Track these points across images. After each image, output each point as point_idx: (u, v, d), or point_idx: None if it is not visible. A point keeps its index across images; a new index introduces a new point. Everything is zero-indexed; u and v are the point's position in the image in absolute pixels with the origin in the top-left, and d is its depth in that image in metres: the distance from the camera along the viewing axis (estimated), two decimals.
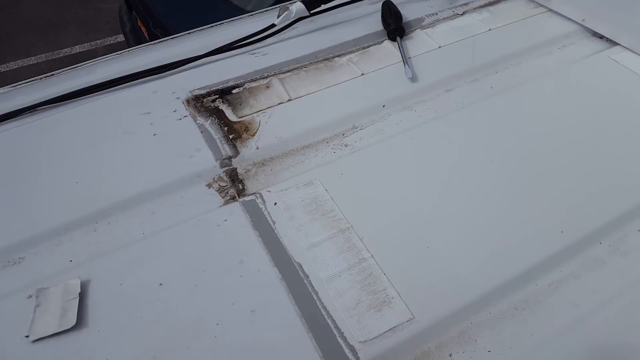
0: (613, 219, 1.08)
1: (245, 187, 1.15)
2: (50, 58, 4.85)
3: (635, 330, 0.92)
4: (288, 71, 1.45)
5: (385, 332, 0.89)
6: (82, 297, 0.92)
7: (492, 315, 0.94)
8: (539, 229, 1.06)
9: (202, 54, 1.48)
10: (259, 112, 1.31)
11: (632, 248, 1.04)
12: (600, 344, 0.90)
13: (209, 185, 1.14)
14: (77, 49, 4.98)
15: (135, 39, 3.48)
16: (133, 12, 3.52)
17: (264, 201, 1.09)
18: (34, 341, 0.87)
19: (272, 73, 1.44)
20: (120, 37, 4.89)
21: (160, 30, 3.02)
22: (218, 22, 1.72)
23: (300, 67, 1.46)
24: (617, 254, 1.03)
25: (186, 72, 1.45)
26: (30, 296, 0.93)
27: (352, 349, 0.87)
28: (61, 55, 4.89)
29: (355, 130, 1.29)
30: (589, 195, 1.12)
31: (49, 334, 0.87)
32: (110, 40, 5.06)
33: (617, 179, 1.15)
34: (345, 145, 1.25)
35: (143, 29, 3.34)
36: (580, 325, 0.92)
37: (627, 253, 1.04)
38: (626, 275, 1.00)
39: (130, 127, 1.27)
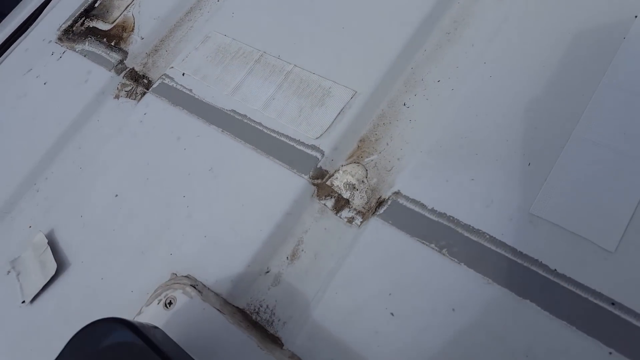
0: None
1: (149, 78, 1.10)
2: None
3: None
4: None
5: (336, 118, 0.88)
6: (53, 245, 0.92)
7: (428, 51, 0.92)
8: None
9: None
10: (128, 8, 1.23)
11: None
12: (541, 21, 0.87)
13: (117, 96, 1.10)
14: None
15: None
16: None
17: (171, 78, 1.05)
18: (32, 301, 0.88)
19: None
20: None
21: None
22: None
23: None
24: None
25: (46, 17, 1.35)
26: (8, 272, 0.93)
27: (313, 147, 0.87)
28: None
29: None
30: None
31: (40, 288, 0.87)
32: None
33: None
34: None
35: None
36: (512, 12, 0.89)
37: None
38: None
39: (20, 90, 1.20)
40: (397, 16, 0.95)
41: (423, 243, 0.72)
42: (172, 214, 0.88)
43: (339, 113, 0.89)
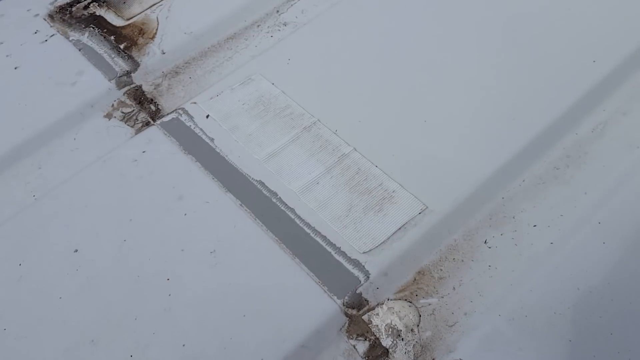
0: None
1: (159, 106, 1.12)
2: None
3: None
4: None
5: (394, 234, 0.90)
6: None
7: (527, 182, 0.96)
8: (565, 64, 1.08)
9: None
10: (154, 6, 1.27)
11: None
12: None
13: (109, 115, 1.11)
14: None
15: None
16: None
17: (190, 117, 1.07)
18: None
19: None
20: None
21: None
22: None
23: None
24: None
25: None
26: None
27: (357, 264, 0.88)
28: None
29: (292, 2, 1.27)
30: (621, 15, 1.15)
31: None
32: None
33: None
34: (284, 24, 1.23)
35: None
36: None
37: None
38: None
39: None
40: (500, 128, 1.00)
41: None
42: (146, 300, 0.87)
43: (400, 228, 0.91)
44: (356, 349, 0.83)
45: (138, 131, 1.08)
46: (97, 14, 1.28)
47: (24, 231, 0.96)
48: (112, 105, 1.13)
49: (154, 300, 0.87)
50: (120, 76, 1.16)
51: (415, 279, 0.89)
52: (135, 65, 1.18)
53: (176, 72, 1.18)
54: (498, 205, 0.94)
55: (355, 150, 1.00)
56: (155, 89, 1.15)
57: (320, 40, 1.18)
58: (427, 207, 0.93)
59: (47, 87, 1.15)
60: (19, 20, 1.30)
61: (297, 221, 0.93)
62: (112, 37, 1.23)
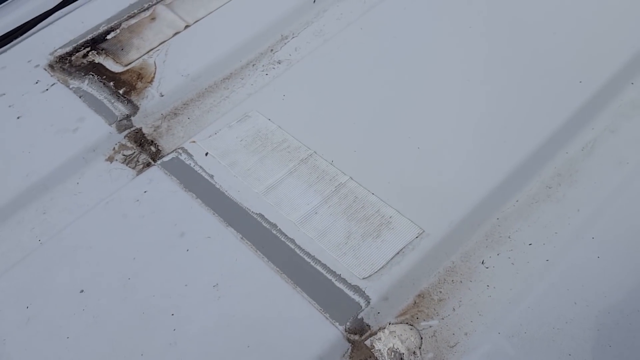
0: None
1: (159, 147, 1.17)
2: None
3: None
4: None
5: (392, 258, 0.94)
6: None
7: (521, 202, 1.00)
8: (552, 86, 1.12)
9: (53, 7, 1.48)
10: (151, 52, 1.33)
11: None
12: None
13: (110, 159, 1.16)
14: None
15: None
16: None
17: (190, 155, 1.12)
18: None
19: (154, 1, 1.45)
20: None
21: None
22: None
23: None
24: None
25: (39, 32, 1.45)
26: None
27: (357, 290, 0.91)
28: None
29: (286, 40, 1.33)
30: (604, 35, 1.20)
31: None
32: None
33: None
34: (279, 62, 1.29)
35: None
36: (634, 183, 0.99)
37: None
38: None
39: None
40: (491, 151, 1.05)
41: None
42: (151, 335, 0.90)
43: (398, 253, 0.95)
44: None
45: (139, 172, 1.12)
46: (96, 62, 1.34)
47: (31, 275, 1.00)
48: (114, 148, 1.17)
49: (160, 335, 0.90)
50: (120, 120, 1.21)
51: (415, 302, 0.91)
52: (135, 108, 1.23)
53: (175, 114, 1.22)
54: (493, 226, 0.98)
55: (352, 179, 1.04)
56: (155, 130, 1.20)
57: (313, 75, 1.23)
58: (423, 231, 0.96)
59: (49, 135, 1.20)
60: (20, 71, 1.35)
61: (297, 251, 0.97)
62: (112, 83, 1.28)
